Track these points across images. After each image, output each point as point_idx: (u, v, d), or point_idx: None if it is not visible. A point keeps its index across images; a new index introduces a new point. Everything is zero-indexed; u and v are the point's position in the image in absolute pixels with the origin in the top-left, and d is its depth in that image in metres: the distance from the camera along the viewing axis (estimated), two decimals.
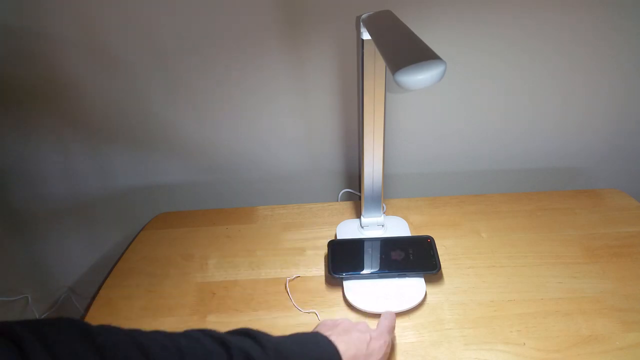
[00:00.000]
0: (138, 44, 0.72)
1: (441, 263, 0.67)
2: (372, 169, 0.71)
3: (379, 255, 0.69)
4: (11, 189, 0.89)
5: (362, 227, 0.76)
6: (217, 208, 0.88)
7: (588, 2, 0.70)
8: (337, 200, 0.93)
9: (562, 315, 0.62)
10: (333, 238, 0.76)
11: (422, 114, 0.82)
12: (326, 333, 0.48)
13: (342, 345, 0.45)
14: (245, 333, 0.42)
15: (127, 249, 0.79)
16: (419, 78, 0.37)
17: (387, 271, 0.66)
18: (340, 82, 0.77)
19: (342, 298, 0.66)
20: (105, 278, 0.73)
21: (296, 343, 0.43)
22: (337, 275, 0.66)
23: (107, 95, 0.78)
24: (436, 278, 0.68)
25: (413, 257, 0.68)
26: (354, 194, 0.92)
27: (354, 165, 0.90)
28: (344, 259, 0.69)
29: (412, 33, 0.47)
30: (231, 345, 0.39)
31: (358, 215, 0.81)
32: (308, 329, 0.62)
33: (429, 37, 0.73)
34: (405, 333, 0.61)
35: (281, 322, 0.63)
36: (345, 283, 0.67)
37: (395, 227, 0.77)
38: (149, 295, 0.69)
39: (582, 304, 0.63)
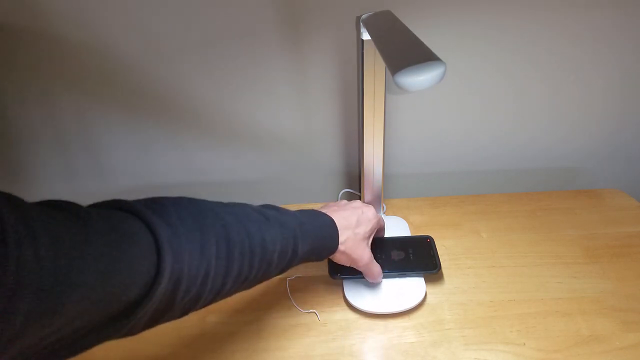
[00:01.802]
0: (138, 44, 0.72)
1: (441, 263, 0.67)
2: (372, 169, 0.71)
3: (379, 255, 0.69)
4: (11, 189, 0.89)
5: None
6: None
7: (591, 1, 0.70)
8: (337, 200, 0.93)
9: (562, 315, 0.62)
10: None
11: (422, 114, 0.82)
12: (324, 211, 0.59)
13: (335, 216, 0.57)
14: (268, 206, 0.53)
15: None
16: (419, 79, 0.37)
17: (387, 271, 0.66)
18: (340, 82, 0.77)
19: (342, 298, 0.66)
20: None
21: (306, 215, 0.55)
22: (338, 276, 0.66)
23: (107, 94, 0.78)
24: (436, 278, 0.68)
25: (413, 257, 0.68)
26: (354, 194, 0.92)
27: (354, 165, 0.90)
28: None
29: (412, 34, 0.47)
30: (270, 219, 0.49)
31: None
32: (308, 329, 0.62)
33: (429, 38, 0.73)
34: (405, 333, 0.61)
35: (281, 322, 0.63)
36: (345, 283, 0.67)
37: (395, 227, 0.77)
38: None
39: (582, 304, 0.63)
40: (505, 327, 0.61)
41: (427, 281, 0.67)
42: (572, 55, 0.76)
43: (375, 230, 0.64)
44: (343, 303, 0.66)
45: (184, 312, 0.41)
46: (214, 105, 0.80)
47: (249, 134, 0.84)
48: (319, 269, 0.72)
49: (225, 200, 0.94)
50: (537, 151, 0.89)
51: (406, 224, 0.78)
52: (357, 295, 0.65)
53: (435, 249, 0.69)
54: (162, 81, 0.76)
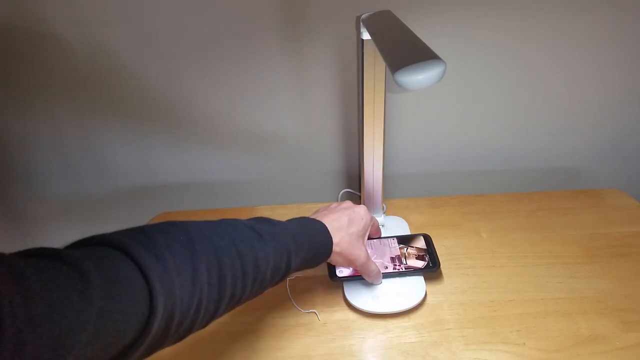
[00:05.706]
0: (138, 44, 0.72)
1: (441, 263, 0.67)
2: (372, 169, 0.71)
3: (377, 256, 0.69)
4: (11, 189, 0.89)
5: None
6: (217, 208, 0.88)
7: (591, 2, 0.70)
8: (337, 200, 0.93)
9: (562, 315, 0.62)
10: None
11: (422, 114, 0.82)
12: (315, 217, 0.59)
13: (326, 220, 0.58)
14: (261, 219, 0.52)
15: None
16: (419, 78, 0.37)
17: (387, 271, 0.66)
18: (340, 82, 0.77)
19: (342, 298, 0.66)
20: None
21: (298, 225, 0.54)
22: (338, 279, 0.66)
23: (107, 95, 0.78)
24: (436, 278, 0.68)
25: None
26: (354, 194, 0.92)
27: (354, 165, 0.90)
28: None
29: (412, 33, 0.47)
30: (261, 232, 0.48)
31: None
32: (308, 329, 0.62)
33: (429, 37, 0.73)
34: (405, 333, 0.61)
35: (281, 322, 0.63)
36: (346, 283, 0.66)
37: (395, 227, 0.77)
38: None
39: (582, 304, 0.63)
40: (505, 327, 0.61)
41: (427, 281, 0.66)
42: (572, 55, 0.76)
43: (369, 229, 0.64)
44: (343, 303, 0.66)
45: (178, 340, 0.41)
46: (214, 106, 0.80)
47: (249, 134, 0.84)
48: (319, 268, 0.71)
49: (224, 200, 0.93)
50: (537, 151, 0.89)
51: (406, 224, 0.78)
52: (357, 295, 0.64)
53: (434, 246, 0.69)
54: (162, 82, 0.76)
